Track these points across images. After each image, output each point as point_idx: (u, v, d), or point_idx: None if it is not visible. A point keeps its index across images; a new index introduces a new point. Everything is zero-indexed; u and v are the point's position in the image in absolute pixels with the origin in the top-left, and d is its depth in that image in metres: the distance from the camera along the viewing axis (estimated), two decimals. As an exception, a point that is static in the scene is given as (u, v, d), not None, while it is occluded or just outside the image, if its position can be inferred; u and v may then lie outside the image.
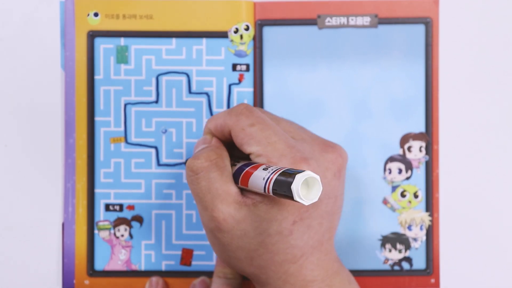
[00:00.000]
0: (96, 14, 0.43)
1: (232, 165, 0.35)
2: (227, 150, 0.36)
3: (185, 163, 0.43)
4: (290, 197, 0.29)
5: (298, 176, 0.28)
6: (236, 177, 0.34)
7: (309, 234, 0.34)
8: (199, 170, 0.34)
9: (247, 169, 0.33)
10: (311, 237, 0.34)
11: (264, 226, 0.33)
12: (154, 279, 0.42)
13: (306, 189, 0.29)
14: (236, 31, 0.43)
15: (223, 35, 0.43)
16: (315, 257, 0.34)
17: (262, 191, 0.31)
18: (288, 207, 0.33)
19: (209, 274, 0.43)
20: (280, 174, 0.30)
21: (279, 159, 0.33)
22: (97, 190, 0.43)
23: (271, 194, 0.30)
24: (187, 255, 0.43)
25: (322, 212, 0.34)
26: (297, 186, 0.28)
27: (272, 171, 0.30)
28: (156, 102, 0.43)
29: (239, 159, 0.36)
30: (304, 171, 0.29)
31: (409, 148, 0.43)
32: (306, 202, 0.28)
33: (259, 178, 0.31)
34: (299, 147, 0.34)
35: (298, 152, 0.33)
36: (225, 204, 0.33)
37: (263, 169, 0.31)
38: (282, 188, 0.29)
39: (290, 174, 0.29)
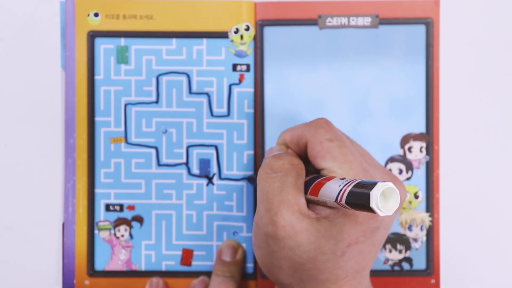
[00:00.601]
0: (96, 14, 0.42)
1: (308, 179, 0.35)
2: None
3: (185, 163, 0.43)
4: (365, 206, 0.28)
5: (379, 184, 0.28)
6: (306, 187, 0.33)
7: (357, 259, 0.33)
8: (279, 169, 0.33)
9: (319, 179, 0.32)
10: (358, 262, 0.33)
11: (321, 242, 0.32)
12: (154, 279, 0.42)
13: (384, 201, 0.28)
14: (237, 31, 0.43)
15: (224, 35, 0.43)
16: (355, 281, 0.34)
17: (333, 200, 0.30)
18: (350, 229, 0.32)
19: (209, 274, 0.43)
20: (356, 184, 0.29)
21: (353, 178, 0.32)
22: (97, 190, 0.43)
23: (343, 203, 0.30)
24: (187, 255, 0.43)
25: (375, 240, 0.34)
26: (376, 193, 0.27)
27: (348, 181, 0.30)
28: (156, 102, 0.43)
29: (308, 173, 0.35)
30: (386, 182, 0.28)
31: (409, 149, 0.43)
32: (382, 212, 0.28)
33: (332, 188, 0.31)
34: (372, 173, 0.34)
35: (370, 177, 0.33)
36: (290, 211, 0.33)
37: (337, 180, 0.31)
38: (358, 197, 0.28)
39: (367, 184, 0.28)
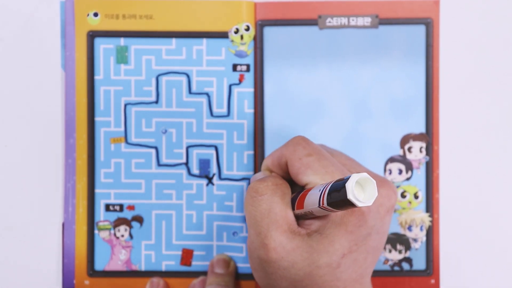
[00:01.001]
0: (96, 14, 0.42)
1: (294, 195, 0.35)
2: None
3: (185, 163, 0.43)
4: (345, 202, 0.28)
5: (353, 175, 0.27)
6: (293, 204, 0.33)
7: (353, 268, 0.33)
8: (264, 191, 0.33)
9: (303, 192, 0.32)
10: (355, 271, 0.33)
11: (314, 257, 0.32)
12: (154, 280, 0.42)
13: (361, 192, 0.28)
14: (237, 31, 0.42)
15: (224, 35, 0.42)
16: None
17: (317, 206, 0.30)
18: (341, 239, 0.32)
19: (209, 274, 0.43)
20: (335, 182, 0.29)
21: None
22: (97, 190, 0.43)
23: (325, 205, 0.29)
24: (187, 255, 0.43)
25: (369, 247, 0.34)
26: (351, 184, 0.27)
27: (326, 183, 0.30)
28: (156, 102, 0.43)
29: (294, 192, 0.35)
30: (362, 173, 0.28)
31: (409, 149, 0.43)
32: (360, 203, 0.27)
33: (314, 194, 0.31)
34: None
35: None
36: (279, 231, 0.33)
37: (317, 186, 0.31)
38: (337, 195, 0.28)
39: (343, 180, 0.28)
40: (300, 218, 0.33)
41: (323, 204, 0.30)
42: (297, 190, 0.35)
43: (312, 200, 0.31)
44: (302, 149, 0.34)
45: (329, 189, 0.29)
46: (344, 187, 0.27)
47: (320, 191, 0.30)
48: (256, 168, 0.43)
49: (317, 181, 0.33)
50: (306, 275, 0.32)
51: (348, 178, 0.28)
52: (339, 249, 0.32)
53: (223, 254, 0.42)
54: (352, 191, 0.27)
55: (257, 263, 0.34)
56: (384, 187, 0.35)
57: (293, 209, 0.33)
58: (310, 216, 0.32)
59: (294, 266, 0.32)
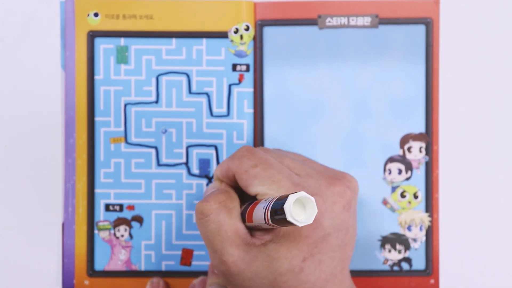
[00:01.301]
0: (96, 14, 0.42)
1: (244, 207, 0.34)
2: (238, 195, 0.35)
3: (185, 163, 0.42)
4: (286, 221, 0.28)
5: (289, 197, 0.27)
6: (243, 217, 0.33)
7: (320, 269, 0.33)
8: (208, 212, 0.33)
9: (251, 205, 0.32)
10: (323, 271, 0.33)
11: (274, 265, 0.32)
12: (155, 280, 0.42)
13: (304, 211, 0.28)
14: (236, 31, 0.42)
15: (223, 35, 0.42)
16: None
17: (264, 223, 0.30)
18: (298, 244, 0.32)
19: (209, 274, 0.42)
20: (276, 200, 0.29)
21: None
22: (97, 190, 0.42)
23: (270, 222, 0.29)
24: (187, 255, 0.42)
25: (332, 245, 0.33)
26: (289, 206, 0.27)
27: (269, 200, 0.30)
28: (156, 102, 0.42)
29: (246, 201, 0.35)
30: (298, 192, 0.28)
31: (409, 149, 0.43)
32: (300, 223, 0.27)
33: (260, 210, 0.30)
34: (304, 184, 0.34)
35: (302, 189, 0.33)
36: (234, 246, 0.33)
37: (263, 201, 0.31)
38: (279, 213, 0.28)
39: (282, 199, 0.28)
40: (253, 229, 0.33)
41: (268, 221, 0.30)
42: (249, 199, 0.34)
43: (259, 216, 0.31)
44: (247, 161, 0.34)
45: (270, 209, 0.29)
46: (283, 209, 0.27)
47: (264, 208, 0.30)
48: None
49: (265, 191, 0.33)
50: (271, 283, 0.32)
51: (286, 198, 0.28)
52: (298, 254, 0.32)
53: None
54: (291, 213, 0.27)
55: (225, 278, 0.34)
56: (335, 185, 0.34)
57: (244, 220, 0.33)
58: (262, 227, 0.32)
59: (258, 275, 0.32)
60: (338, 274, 0.34)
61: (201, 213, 0.33)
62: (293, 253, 0.32)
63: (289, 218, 0.27)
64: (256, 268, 0.32)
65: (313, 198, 0.28)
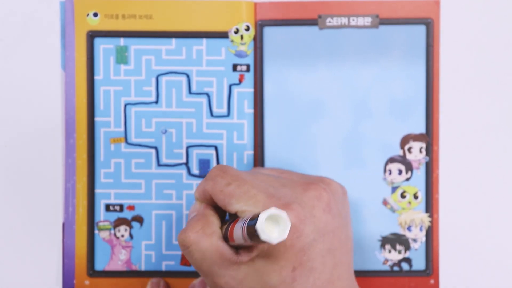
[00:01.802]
0: (95, 14, 0.41)
1: (226, 226, 0.34)
2: (219, 213, 0.35)
3: (185, 163, 0.42)
4: (262, 240, 0.27)
5: (261, 215, 0.27)
6: (226, 236, 0.33)
7: (314, 276, 0.32)
8: (188, 243, 0.33)
9: (231, 225, 0.32)
10: (317, 278, 0.32)
11: (265, 279, 0.32)
12: (155, 280, 0.41)
13: (274, 225, 0.28)
14: (237, 32, 0.41)
15: (224, 35, 0.42)
16: None
17: (243, 241, 0.30)
18: (285, 254, 0.32)
19: (209, 274, 0.42)
20: (250, 219, 0.29)
21: (263, 210, 0.32)
22: (97, 190, 0.42)
23: (248, 241, 0.29)
24: (187, 255, 0.42)
25: (321, 251, 0.33)
26: (261, 225, 0.27)
27: (245, 219, 0.30)
28: (156, 102, 0.42)
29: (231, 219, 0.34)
30: (269, 209, 0.27)
31: (409, 149, 0.42)
32: (275, 240, 0.27)
33: (238, 229, 0.30)
34: (280, 194, 0.33)
35: (279, 200, 0.32)
36: (223, 268, 0.32)
37: (240, 220, 0.31)
38: (253, 234, 0.28)
39: (255, 220, 0.28)
40: (239, 247, 0.33)
41: (246, 241, 0.30)
42: (233, 216, 0.34)
43: (237, 235, 0.31)
44: (220, 180, 0.34)
45: (246, 229, 0.29)
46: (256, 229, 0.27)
47: (241, 228, 0.30)
48: (256, 168, 0.42)
49: (243, 208, 0.33)
50: None
51: (256, 217, 0.27)
52: (286, 264, 0.32)
53: None
54: (263, 232, 0.27)
55: None
56: (311, 189, 0.34)
57: (228, 239, 0.33)
58: (245, 245, 0.32)
59: None
60: (336, 281, 0.33)
61: (183, 245, 0.33)
62: (281, 264, 0.32)
63: (262, 237, 0.27)
64: (249, 284, 0.32)
65: (284, 213, 0.27)
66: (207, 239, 0.33)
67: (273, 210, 0.27)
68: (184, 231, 0.33)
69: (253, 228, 0.28)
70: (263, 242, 0.28)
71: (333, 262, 0.33)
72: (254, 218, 0.28)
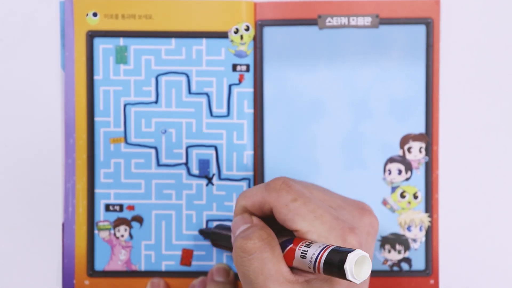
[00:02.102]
0: (95, 14, 0.41)
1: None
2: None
3: (185, 163, 0.41)
4: (342, 275, 0.28)
5: (350, 256, 0.28)
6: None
7: None
8: (252, 250, 0.32)
9: (290, 246, 0.32)
10: None
11: None
12: (155, 280, 0.41)
13: (356, 266, 0.28)
14: (236, 32, 0.41)
15: (223, 35, 0.41)
16: None
17: (310, 270, 0.30)
18: (340, 281, 0.31)
19: (209, 274, 0.41)
20: (330, 253, 0.29)
21: (328, 232, 0.31)
22: (97, 190, 0.41)
23: (321, 272, 0.29)
24: (187, 255, 0.42)
25: (367, 278, 0.33)
26: (350, 266, 0.28)
27: (321, 249, 0.29)
28: (156, 102, 0.41)
29: (277, 233, 0.34)
30: (354, 250, 0.28)
31: (409, 149, 0.42)
32: (358, 281, 0.28)
33: (306, 261, 0.30)
34: (343, 217, 0.33)
35: (344, 223, 0.32)
36: (277, 284, 0.31)
37: (306, 246, 0.30)
38: (333, 267, 0.28)
39: (340, 252, 0.28)
40: (292, 267, 0.32)
41: (318, 271, 0.30)
42: (281, 231, 0.34)
43: (304, 262, 0.30)
44: (286, 194, 0.33)
45: (324, 260, 0.29)
46: (343, 268, 0.28)
47: (313, 259, 0.30)
48: (256, 169, 0.41)
49: (308, 228, 0.32)
50: None
51: (344, 255, 0.28)
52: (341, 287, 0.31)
53: (223, 263, 0.41)
54: (352, 272, 0.28)
55: None
56: (366, 215, 0.34)
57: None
58: (307, 270, 0.31)
59: None
60: None
61: (243, 251, 0.32)
62: (336, 287, 0.31)
63: (349, 278, 0.28)
64: None
65: (368, 255, 0.28)
66: (271, 251, 0.32)
67: (360, 252, 0.28)
68: (249, 237, 0.32)
69: (334, 264, 0.28)
70: (342, 278, 0.28)
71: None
72: (337, 255, 0.28)
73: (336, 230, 0.31)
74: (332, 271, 0.28)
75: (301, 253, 0.30)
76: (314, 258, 0.29)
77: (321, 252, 0.29)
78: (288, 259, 0.31)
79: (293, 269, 0.32)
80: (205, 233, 0.41)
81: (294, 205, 0.32)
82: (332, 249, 0.29)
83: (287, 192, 0.33)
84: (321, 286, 0.31)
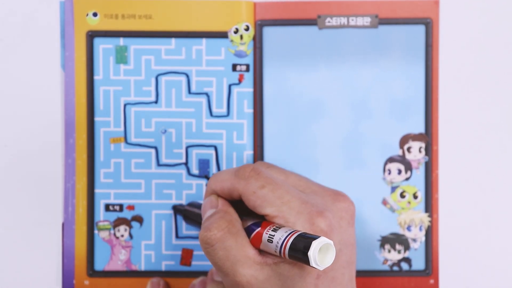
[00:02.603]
0: (95, 14, 0.40)
1: (248, 227, 0.33)
2: (234, 206, 0.34)
3: (185, 163, 0.41)
4: (306, 262, 0.28)
5: (314, 244, 0.28)
6: (248, 234, 0.32)
7: (334, 286, 0.32)
8: (213, 241, 0.32)
9: (257, 230, 0.32)
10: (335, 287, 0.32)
11: (288, 283, 0.31)
12: (155, 280, 0.40)
13: (320, 253, 0.28)
14: (236, 31, 0.41)
15: (223, 35, 0.41)
16: None
17: (276, 254, 0.30)
18: None
19: (208, 274, 0.41)
20: (295, 239, 0.29)
21: (296, 217, 0.31)
22: (97, 190, 0.41)
23: (286, 257, 0.29)
24: (187, 255, 0.41)
25: (343, 262, 0.32)
26: (314, 253, 0.28)
27: (287, 235, 0.29)
28: (156, 102, 0.41)
29: (247, 215, 0.34)
30: (319, 237, 0.28)
31: (408, 149, 0.41)
32: (321, 267, 0.28)
33: (272, 245, 0.30)
34: (313, 201, 0.33)
35: (313, 207, 0.32)
36: (246, 267, 0.31)
37: (273, 230, 0.31)
38: (298, 253, 0.29)
39: (305, 238, 0.29)
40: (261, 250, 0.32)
41: (284, 256, 0.30)
42: (246, 209, 0.34)
43: (270, 247, 0.30)
44: (254, 182, 0.33)
45: (289, 246, 0.29)
46: (307, 256, 0.28)
47: (279, 244, 0.30)
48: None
49: (275, 213, 0.32)
50: None
51: (309, 239, 0.28)
52: (312, 271, 0.31)
53: None
54: (315, 260, 0.28)
55: None
56: (340, 200, 0.34)
57: (248, 236, 0.32)
58: (274, 254, 0.31)
59: None
60: None
61: (206, 243, 0.32)
62: (307, 270, 0.31)
63: (312, 264, 0.28)
64: (271, 286, 0.31)
65: (332, 243, 0.28)
66: (233, 238, 0.32)
67: (324, 239, 0.28)
68: (208, 228, 0.32)
69: (298, 250, 0.28)
70: (306, 264, 0.28)
71: (350, 275, 0.33)
72: (302, 242, 0.28)
73: (303, 214, 0.31)
74: (297, 257, 0.29)
75: (268, 237, 0.31)
76: (279, 243, 0.30)
77: (287, 238, 0.29)
78: (256, 242, 0.31)
79: (262, 251, 0.32)
80: (178, 210, 0.40)
81: (262, 192, 0.32)
82: (298, 235, 0.29)
83: (255, 179, 0.33)
84: (290, 268, 0.31)
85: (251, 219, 0.33)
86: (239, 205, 0.34)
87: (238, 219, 0.33)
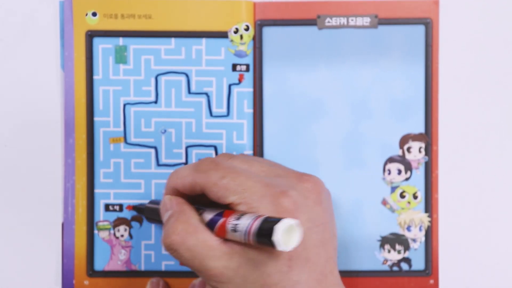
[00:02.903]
0: (94, 14, 0.40)
1: (200, 214, 0.33)
2: (191, 199, 0.34)
3: (185, 163, 0.41)
4: (273, 246, 0.28)
5: (277, 228, 0.27)
6: (212, 225, 0.32)
7: (309, 267, 0.31)
8: (175, 246, 0.32)
9: (220, 221, 0.31)
10: (313, 270, 0.31)
11: (261, 268, 0.31)
12: (154, 280, 0.40)
13: (287, 234, 0.28)
14: (236, 31, 0.40)
15: (223, 35, 0.40)
16: (322, 285, 0.32)
17: (241, 239, 0.30)
18: None
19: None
20: (258, 225, 0.29)
21: (259, 201, 0.31)
22: (97, 190, 0.41)
23: (254, 243, 0.29)
24: (186, 255, 0.41)
25: (315, 241, 0.32)
26: (278, 237, 0.27)
27: (249, 223, 0.29)
28: (155, 102, 0.41)
29: (205, 206, 0.33)
30: (281, 219, 0.28)
31: (408, 149, 0.41)
32: (289, 247, 0.28)
33: (238, 234, 0.30)
34: (275, 183, 0.32)
35: (276, 188, 0.32)
36: (215, 260, 0.31)
37: (236, 219, 0.30)
38: (264, 238, 0.28)
39: (268, 223, 0.28)
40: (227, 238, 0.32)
41: (251, 243, 0.29)
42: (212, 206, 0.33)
43: (236, 236, 0.30)
44: (214, 173, 0.32)
45: (254, 232, 0.29)
46: (271, 238, 0.28)
47: (245, 231, 0.29)
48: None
49: (239, 200, 0.31)
50: (262, 286, 0.31)
51: (272, 222, 0.28)
52: (282, 253, 0.31)
53: None
54: (280, 243, 0.27)
55: None
56: (305, 181, 0.33)
57: (212, 227, 0.32)
58: (241, 241, 0.31)
59: (247, 280, 0.31)
60: (329, 276, 0.32)
61: (169, 250, 0.32)
62: (277, 253, 0.31)
63: (279, 248, 0.27)
64: (244, 273, 0.31)
65: (297, 222, 0.28)
66: (193, 237, 0.32)
67: (288, 221, 0.28)
68: (167, 235, 0.32)
69: (264, 235, 0.28)
70: (274, 248, 0.28)
71: (326, 255, 0.32)
72: (266, 226, 0.28)
73: (266, 197, 0.31)
74: (264, 242, 0.28)
75: (231, 226, 0.30)
76: (244, 231, 0.29)
77: (250, 225, 0.29)
78: (221, 232, 0.31)
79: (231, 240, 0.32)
80: (138, 209, 0.40)
81: (222, 182, 0.32)
82: (261, 221, 0.29)
83: (215, 171, 0.32)
84: (260, 253, 0.31)
85: (215, 210, 0.33)
86: (203, 200, 0.34)
87: (194, 215, 0.33)
